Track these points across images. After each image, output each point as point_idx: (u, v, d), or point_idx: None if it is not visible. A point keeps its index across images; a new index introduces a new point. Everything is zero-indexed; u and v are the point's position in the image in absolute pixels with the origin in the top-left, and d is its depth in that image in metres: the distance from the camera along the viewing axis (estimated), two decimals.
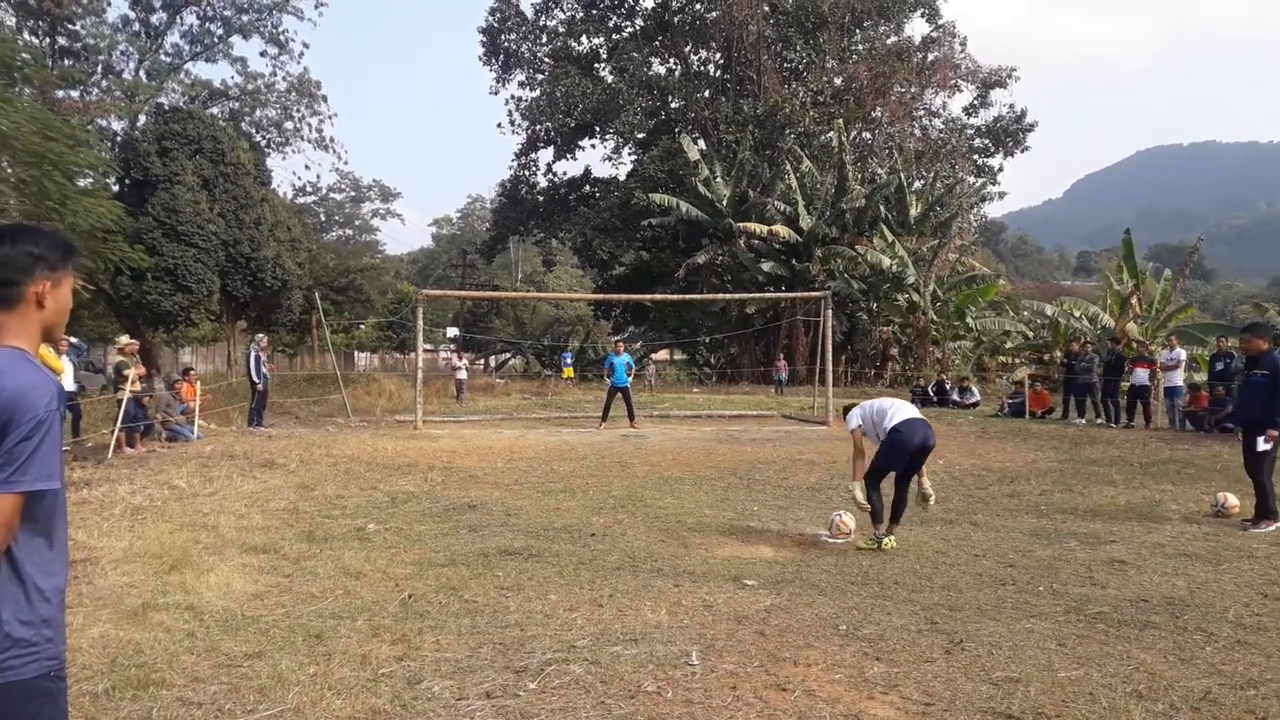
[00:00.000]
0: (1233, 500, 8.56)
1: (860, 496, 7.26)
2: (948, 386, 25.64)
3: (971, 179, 44.90)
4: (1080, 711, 3.81)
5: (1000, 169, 47.05)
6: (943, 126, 46.18)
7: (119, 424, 13.09)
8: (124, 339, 15.84)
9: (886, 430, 7.16)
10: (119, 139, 34.89)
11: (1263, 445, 8.02)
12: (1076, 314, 30.26)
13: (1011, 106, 45.41)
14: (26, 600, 2.02)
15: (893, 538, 7.19)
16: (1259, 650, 4.67)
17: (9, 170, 16.39)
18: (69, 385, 12.24)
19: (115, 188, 28.80)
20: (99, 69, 36.92)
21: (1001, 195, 51.02)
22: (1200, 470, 11.66)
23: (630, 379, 18.96)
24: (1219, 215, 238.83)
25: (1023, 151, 45.81)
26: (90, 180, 25.25)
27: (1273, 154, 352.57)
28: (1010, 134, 45.04)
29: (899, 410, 7.32)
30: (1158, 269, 36.05)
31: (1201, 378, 19.39)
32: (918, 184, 39.28)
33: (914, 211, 36.61)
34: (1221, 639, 4.85)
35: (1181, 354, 18.76)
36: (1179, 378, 18.30)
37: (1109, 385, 18.97)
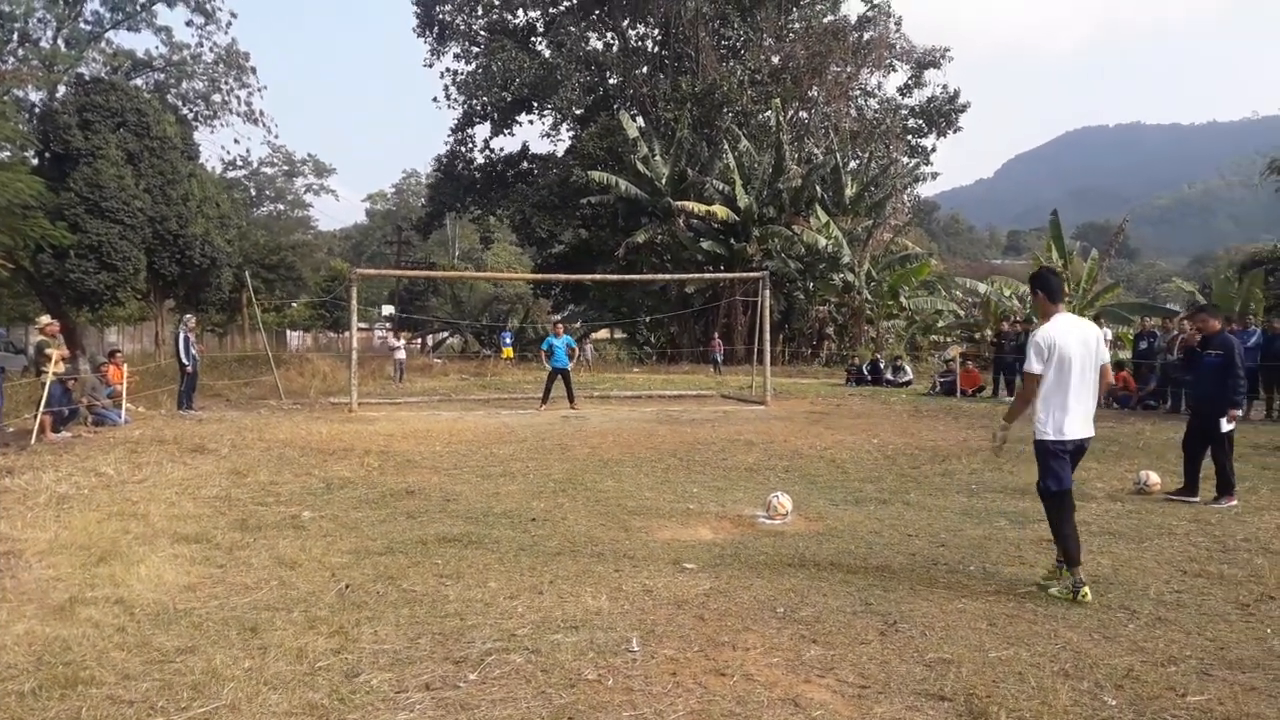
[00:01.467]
0: (1154, 478, 8.82)
1: None
2: (881, 365, 26.09)
3: (905, 159, 45.62)
4: (1010, 691, 3.91)
5: (933, 149, 47.99)
6: (878, 106, 46.75)
7: (42, 408, 12.69)
8: (44, 319, 15.22)
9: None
10: (37, 110, 33.59)
11: (1226, 426, 8.17)
12: (1007, 293, 30.99)
13: (945, 87, 46.23)
14: None
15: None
16: (1178, 627, 4.84)
17: None
18: None
19: (34, 161, 27.83)
20: (14, 37, 35.42)
21: (934, 175, 51.95)
22: (1124, 448, 12.01)
23: (571, 361, 18.98)
24: (1143, 195, 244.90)
25: (955, 132, 46.58)
26: (7, 154, 24.41)
27: (1195, 135, 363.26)
28: (943, 114, 45.74)
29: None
30: (1085, 248, 36.89)
31: (1126, 356, 19.94)
32: (853, 164, 39.73)
33: (849, 191, 37.02)
34: (1143, 616, 5.02)
35: (1107, 333, 19.32)
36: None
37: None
